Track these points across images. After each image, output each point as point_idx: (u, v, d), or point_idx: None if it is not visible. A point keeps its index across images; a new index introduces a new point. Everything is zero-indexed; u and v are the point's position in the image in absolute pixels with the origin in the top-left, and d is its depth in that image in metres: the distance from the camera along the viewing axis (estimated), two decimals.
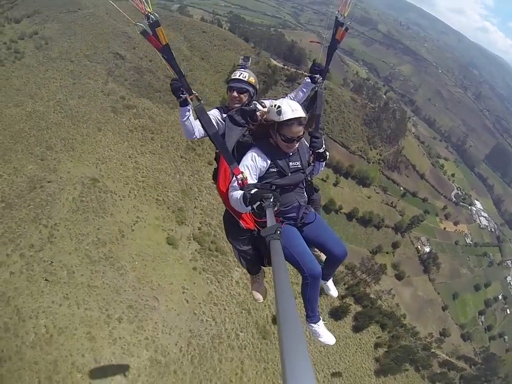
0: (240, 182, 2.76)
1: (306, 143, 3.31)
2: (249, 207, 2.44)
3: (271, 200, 2.09)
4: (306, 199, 3.35)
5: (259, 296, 4.11)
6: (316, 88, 3.72)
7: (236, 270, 41.48)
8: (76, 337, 28.16)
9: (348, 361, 44.90)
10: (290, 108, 2.69)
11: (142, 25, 2.09)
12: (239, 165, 2.92)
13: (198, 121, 3.18)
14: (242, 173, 2.80)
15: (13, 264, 31.00)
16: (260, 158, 2.93)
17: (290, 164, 3.01)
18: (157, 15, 2.22)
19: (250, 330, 37.37)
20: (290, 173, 3.01)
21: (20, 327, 27.60)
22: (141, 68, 70.46)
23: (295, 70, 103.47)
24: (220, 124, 3.44)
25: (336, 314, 48.43)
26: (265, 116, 2.99)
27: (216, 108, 3.60)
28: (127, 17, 1.87)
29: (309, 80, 3.83)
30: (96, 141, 48.21)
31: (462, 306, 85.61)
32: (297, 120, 2.70)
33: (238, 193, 2.69)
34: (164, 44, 2.33)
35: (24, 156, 41.64)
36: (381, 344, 51.26)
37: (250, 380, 33.51)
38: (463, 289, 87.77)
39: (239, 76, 3.56)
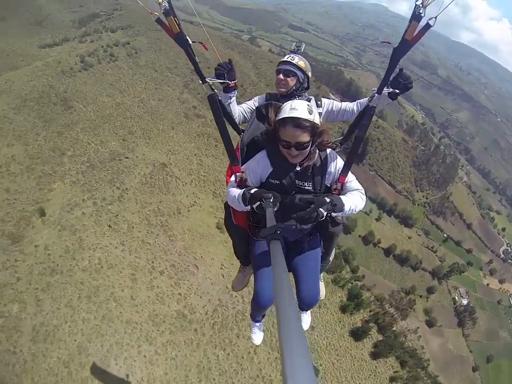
0: (238, 180, 2.55)
1: (333, 168, 2.51)
2: (248, 206, 2.29)
3: (271, 200, 1.92)
4: (309, 227, 2.83)
5: (236, 285, 4.06)
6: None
7: None
8: (121, 274, 34.63)
9: (359, 383, 44.99)
10: (290, 106, 2.16)
11: (157, 14, 2.07)
12: (244, 163, 2.70)
13: (240, 107, 3.19)
14: (242, 172, 2.57)
15: (86, 207, 39.72)
16: (263, 163, 2.51)
17: (297, 181, 2.42)
18: (167, 5, 2.13)
19: (272, 318, 40.55)
20: (295, 192, 2.44)
21: (78, 253, 35.03)
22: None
23: None
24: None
25: (356, 333, 48.61)
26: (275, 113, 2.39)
27: (263, 94, 3.35)
28: (145, 7, 1.97)
29: (364, 100, 3.04)
30: (169, 136, 57.36)
31: (495, 372, 77.45)
32: (292, 120, 2.11)
33: (236, 191, 2.46)
34: (176, 32, 2.23)
35: (110, 134, 51.42)
36: (397, 379, 49.34)
37: (261, 363, 36.29)
38: (500, 354, 79.64)
39: (286, 58, 3.10)
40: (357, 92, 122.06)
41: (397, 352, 51.68)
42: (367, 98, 2.87)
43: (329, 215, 2.21)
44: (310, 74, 3.18)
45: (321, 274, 3.87)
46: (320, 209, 2.10)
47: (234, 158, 2.68)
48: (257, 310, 3.13)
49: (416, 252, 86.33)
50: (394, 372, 49.96)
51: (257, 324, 3.67)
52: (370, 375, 46.73)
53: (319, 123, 2.24)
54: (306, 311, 3.59)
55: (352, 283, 58.24)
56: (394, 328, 56.75)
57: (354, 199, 2.37)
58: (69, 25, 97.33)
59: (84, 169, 44.83)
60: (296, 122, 2.14)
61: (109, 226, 38.94)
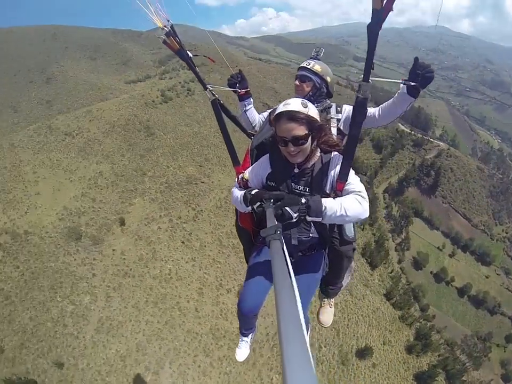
0: (240, 180, 2.54)
1: (335, 173, 2.21)
2: (249, 207, 2.22)
3: (272, 200, 1.84)
4: (307, 239, 2.51)
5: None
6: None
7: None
8: (189, 287, 36.92)
9: None
10: (284, 103, 2.10)
11: (163, 37, 2.27)
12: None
13: (261, 115, 3.26)
14: (243, 172, 2.54)
15: (162, 223, 43.66)
16: (264, 164, 2.45)
17: (293, 185, 2.28)
18: (168, 28, 2.26)
19: (333, 349, 39.17)
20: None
21: (151, 262, 38.29)
22: None
23: (421, 135, 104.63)
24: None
25: (422, 378, 43.99)
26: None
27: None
28: (157, 36, 2.22)
29: (386, 104, 2.70)
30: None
31: None
32: (286, 114, 2.04)
33: (238, 192, 2.43)
34: (177, 49, 2.37)
35: (187, 159, 56.23)
36: None
37: None
38: None
39: (303, 64, 3.03)
40: (426, 119, 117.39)
41: None
42: (391, 100, 2.64)
43: (302, 218, 1.92)
44: (328, 79, 3.00)
45: (332, 300, 3.68)
46: (287, 208, 1.82)
47: (235, 158, 2.73)
48: (241, 318, 2.90)
49: (494, 293, 77.27)
50: None
51: (244, 338, 3.36)
52: None
53: (317, 117, 2.11)
54: None
55: (420, 322, 53.84)
56: (464, 378, 50.63)
57: (345, 203, 1.99)
58: (150, 65, 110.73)
59: (162, 189, 49.33)
60: (289, 115, 2.04)
61: (182, 242, 41.97)
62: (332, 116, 2.84)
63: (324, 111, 2.90)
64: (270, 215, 1.74)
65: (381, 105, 2.79)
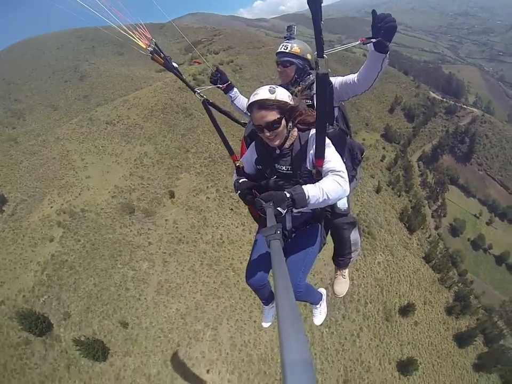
0: (236, 168, 2.71)
1: (313, 150, 2.21)
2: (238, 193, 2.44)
3: (272, 200, 1.84)
4: (302, 216, 2.62)
5: None
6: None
7: (380, 255, 46.53)
8: (241, 249, 39.38)
9: None
10: (253, 93, 2.20)
11: (149, 55, 2.45)
12: None
13: (242, 102, 3.44)
14: (238, 160, 2.73)
15: (209, 193, 46.32)
16: (251, 150, 2.60)
17: (277, 166, 2.38)
18: (153, 47, 2.44)
19: (378, 306, 40.79)
20: (276, 176, 2.41)
21: (202, 229, 41.03)
22: None
23: (453, 102, 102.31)
24: None
25: (461, 339, 44.87)
26: None
27: None
28: (140, 51, 2.39)
29: (373, 49, 2.21)
30: None
31: None
32: (255, 104, 2.14)
33: (233, 180, 2.62)
34: (161, 63, 2.54)
35: (227, 135, 57.91)
36: None
37: (362, 347, 36.90)
38: None
39: (280, 49, 3.00)
40: (458, 86, 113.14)
41: (503, 370, 45.44)
42: (365, 62, 2.43)
43: (290, 211, 1.96)
44: (309, 56, 2.95)
45: (344, 271, 3.72)
46: (278, 208, 1.86)
47: (229, 148, 2.88)
48: (252, 289, 3.01)
49: None
50: None
51: (266, 307, 3.51)
52: None
53: (287, 100, 2.14)
54: (315, 305, 3.46)
55: (459, 286, 54.15)
56: (502, 343, 50.45)
57: (326, 188, 2.00)
58: (177, 53, 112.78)
59: (206, 163, 51.72)
60: (259, 104, 2.13)
61: (231, 209, 44.48)
62: (315, 92, 2.52)
63: (308, 88, 2.85)
64: (270, 215, 1.74)
65: (359, 70, 2.57)
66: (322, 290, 3.62)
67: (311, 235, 2.67)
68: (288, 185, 2.31)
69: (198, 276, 36.15)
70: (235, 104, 3.45)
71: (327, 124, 2.19)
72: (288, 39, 3.06)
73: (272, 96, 2.11)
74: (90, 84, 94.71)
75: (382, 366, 36.80)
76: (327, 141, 2.19)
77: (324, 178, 2.09)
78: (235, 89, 3.40)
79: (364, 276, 42.65)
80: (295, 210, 1.98)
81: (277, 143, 2.26)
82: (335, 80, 2.74)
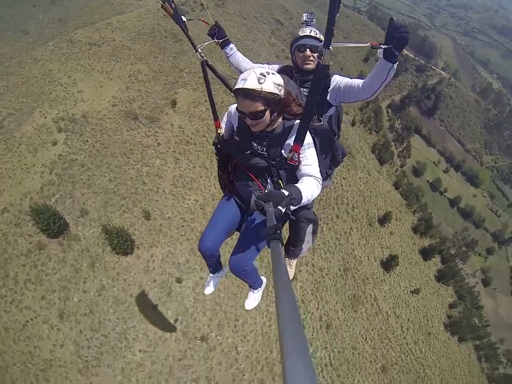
0: (216, 134, 2.77)
1: (293, 141, 2.26)
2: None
3: (272, 200, 1.81)
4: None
5: None
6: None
7: (360, 172, 51.86)
8: None
9: (425, 294, 48.57)
10: (241, 77, 2.10)
11: (161, 2, 2.59)
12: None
13: (237, 59, 3.33)
14: (220, 127, 2.76)
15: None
16: (234, 118, 2.57)
17: (254, 145, 2.38)
18: None
19: (362, 212, 47.51)
20: (249, 152, 2.41)
21: (207, 133, 41.95)
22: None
23: (424, 62, 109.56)
24: None
25: (424, 253, 52.59)
26: None
27: (279, 64, 3.28)
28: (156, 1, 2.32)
29: (381, 56, 2.13)
30: None
31: None
32: (242, 91, 2.06)
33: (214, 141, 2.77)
34: (171, 14, 2.70)
35: (216, 60, 58.58)
36: (455, 306, 52.04)
37: (353, 244, 42.95)
38: None
39: (309, 32, 2.87)
40: (430, 49, 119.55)
41: (457, 285, 54.51)
42: (373, 69, 2.32)
43: (288, 210, 1.94)
44: None
45: (292, 261, 3.78)
46: (279, 207, 1.81)
47: (215, 114, 2.97)
48: (202, 256, 2.98)
49: (479, 210, 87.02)
50: (453, 300, 53.06)
51: (211, 275, 3.59)
52: (434, 292, 50.79)
53: (275, 91, 2.06)
54: (253, 289, 3.43)
55: (420, 214, 61.72)
56: (456, 264, 59.29)
57: (310, 188, 2.09)
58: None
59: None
60: (245, 92, 2.04)
61: None
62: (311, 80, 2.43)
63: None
64: (270, 215, 1.73)
65: (367, 77, 2.49)
66: (263, 279, 3.53)
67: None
68: (260, 164, 2.37)
69: (209, 172, 37.04)
70: (230, 61, 3.36)
71: (315, 117, 2.33)
72: (307, 25, 2.98)
73: (259, 87, 2.01)
74: (64, 8, 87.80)
75: (370, 262, 42.91)
76: (311, 140, 2.27)
77: (305, 179, 2.18)
78: (231, 45, 3.29)
79: (350, 185, 47.94)
80: (292, 208, 1.95)
81: (257, 129, 2.24)
82: (342, 81, 2.69)
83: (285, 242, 3.41)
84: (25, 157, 34.29)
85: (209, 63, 3.00)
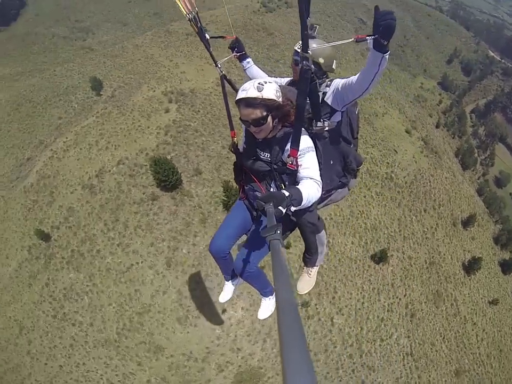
0: (231, 143, 2.86)
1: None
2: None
3: (272, 201, 1.82)
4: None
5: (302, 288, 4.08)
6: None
7: (446, 172, 51.29)
8: None
9: (500, 310, 44.69)
10: (241, 88, 2.22)
11: (188, 21, 2.82)
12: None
13: (253, 72, 3.41)
14: (234, 137, 2.91)
15: None
16: (244, 131, 2.70)
17: (259, 151, 2.51)
18: (193, 15, 2.76)
19: (447, 211, 46.91)
20: (254, 157, 2.54)
21: None
22: None
23: (511, 65, 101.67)
24: None
25: (505, 266, 48.74)
26: None
27: (289, 78, 3.23)
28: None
29: (371, 47, 2.05)
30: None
31: None
32: (243, 101, 2.19)
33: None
34: (196, 31, 2.92)
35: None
36: None
37: (438, 240, 42.83)
38: None
39: (296, 47, 2.83)
40: None
41: None
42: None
43: (289, 211, 1.98)
44: (321, 60, 2.75)
45: (312, 269, 3.78)
46: (279, 207, 1.83)
47: (231, 125, 3.06)
48: (213, 258, 3.08)
49: None
50: None
51: (226, 283, 3.63)
52: (510, 309, 46.48)
53: (274, 98, 2.19)
54: (265, 296, 3.40)
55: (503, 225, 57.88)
56: None
57: (310, 191, 2.13)
58: None
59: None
60: (245, 102, 2.18)
61: None
62: (319, 90, 2.67)
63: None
64: (270, 215, 1.75)
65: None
66: None
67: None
68: (263, 168, 2.49)
69: None
70: (247, 73, 3.46)
71: (314, 120, 2.45)
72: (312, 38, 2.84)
73: (259, 95, 2.14)
74: (157, 3, 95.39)
75: (453, 261, 42.14)
76: (310, 144, 2.36)
77: (305, 182, 2.23)
78: (248, 59, 3.41)
79: (437, 182, 47.75)
80: (292, 209, 1.98)
81: (261, 136, 2.37)
82: (341, 82, 2.66)
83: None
84: (139, 120, 37.83)
85: (228, 77, 3.16)
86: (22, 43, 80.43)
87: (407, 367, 31.28)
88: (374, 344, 30.25)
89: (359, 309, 30.91)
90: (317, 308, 28.92)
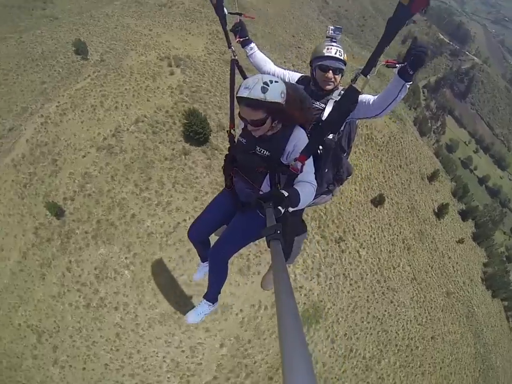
0: (229, 134, 2.81)
1: (292, 147, 2.32)
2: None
3: (271, 201, 1.81)
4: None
5: (266, 284, 4.12)
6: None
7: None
8: None
9: (464, 248, 52.03)
10: (245, 85, 2.09)
11: None
12: None
13: (274, 66, 3.21)
14: (232, 129, 2.82)
15: None
16: (241, 122, 2.41)
17: (257, 147, 2.43)
18: None
19: None
20: (250, 152, 2.46)
21: None
22: (340, 13, 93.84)
23: (458, 47, 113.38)
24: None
25: (462, 214, 57.14)
26: None
27: (300, 74, 3.13)
28: None
29: (396, 72, 2.19)
30: None
31: None
32: (244, 100, 2.07)
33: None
34: (215, 4, 2.73)
35: None
36: (488, 265, 54.63)
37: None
38: None
39: (335, 54, 2.71)
40: (465, 35, 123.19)
41: (488, 249, 58.19)
42: (390, 85, 2.27)
43: (287, 211, 1.89)
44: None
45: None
46: (279, 207, 1.80)
47: (232, 117, 2.88)
48: (191, 243, 3.18)
49: (506, 191, 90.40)
50: (486, 261, 55.58)
51: (201, 263, 3.69)
52: (471, 249, 53.46)
53: (278, 101, 2.08)
54: (208, 301, 3.31)
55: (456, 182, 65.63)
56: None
57: (307, 193, 2.09)
58: None
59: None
60: (247, 102, 2.05)
61: None
62: (332, 97, 2.76)
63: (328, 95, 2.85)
64: (270, 215, 1.72)
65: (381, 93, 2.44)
66: (217, 303, 3.42)
67: (258, 218, 2.54)
68: (260, 165, 2.44)
69: None
70: (250, 60, 3.26)
71: (330, 132, 2.41)
72: (332, 40, 2.79)
73: (262, 97, 2.02)
74: None
75: (426, 208, 47.79)
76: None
77: (302, 184, 2.13)
78: (252, 44, 3.18)
79: (406, 143, 53.44)
80: (290, 209, 1.93)
81: (258, 134, 2.30)
82: None
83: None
84: (144, 81, 35.64)
85: (239, 63, 2.98)
86: None
87: (415, 289, 36.57)
88: (390, 271, 34.82)
89: (373, 243, 35.06)
90: (346, 243, 32.23)
